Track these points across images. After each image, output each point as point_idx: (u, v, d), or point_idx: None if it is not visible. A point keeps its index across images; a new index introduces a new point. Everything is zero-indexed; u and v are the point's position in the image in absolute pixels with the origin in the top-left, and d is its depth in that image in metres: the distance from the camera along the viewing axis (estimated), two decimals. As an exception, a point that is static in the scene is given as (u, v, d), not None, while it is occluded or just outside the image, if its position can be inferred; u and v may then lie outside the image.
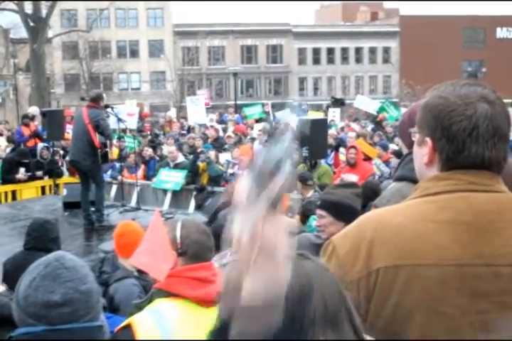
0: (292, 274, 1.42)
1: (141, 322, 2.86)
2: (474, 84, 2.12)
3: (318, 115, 22.85)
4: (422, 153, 2.18)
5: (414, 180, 2.33)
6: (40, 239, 6.88)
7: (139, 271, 5.48)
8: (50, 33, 53.38)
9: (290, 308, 1.39)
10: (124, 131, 16.54)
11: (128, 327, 2.83)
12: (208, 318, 3.02)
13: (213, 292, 3.06)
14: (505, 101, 2.22)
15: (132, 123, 18.82)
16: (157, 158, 17.98)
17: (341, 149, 15.08)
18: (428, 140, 2.12)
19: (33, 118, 19.07)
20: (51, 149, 16.55)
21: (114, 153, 14.81)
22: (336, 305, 1.45)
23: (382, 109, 24.36)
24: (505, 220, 2.03)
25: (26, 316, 2.49)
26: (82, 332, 2.52)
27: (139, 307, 3.10)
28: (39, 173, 16.30)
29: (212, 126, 21.40)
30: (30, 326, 2.49)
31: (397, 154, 13.97)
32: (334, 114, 24.18)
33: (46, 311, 2.48)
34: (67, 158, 15.01)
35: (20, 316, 2.51)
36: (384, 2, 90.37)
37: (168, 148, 16.78)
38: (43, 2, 45.01)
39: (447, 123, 2.06)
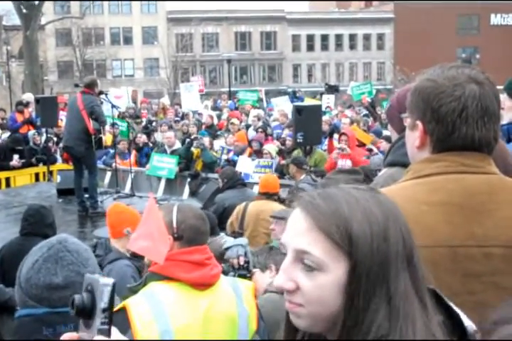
0: (374, 209, 1.46)
1: (135, 305, 2.88)
2: (462, 66, 2.13)
3: (314, 102, 22.82)
4: (413, 137, 2.18)
5: (406, 165, 2.34)
6: (37, 224, 6.92)
7: (133, 254, 5.50)
8: (43, 20, 53.07)
9: (375, 245, 1.41)
10: (118, 116, 16.52)
11: (122, 310, 2.84)
12: (202, 301, 3.05)
13: (207, 275, 3.09)
14: (499, 87, 2.23)
15: (121, 105, 18.77)
16: (150, 145, 17.96)
17: (335, 136, 15.10)
18: (419, 123, 2.14)
19: (27, 104, 19.00)
20: (44, 134, 16.52)
21: (107, 139, 14.77)
22: (411, 239, 1.48)
23: (370, 93, 24.33)
24: (496, 201, 2.04)
25: (28, 298, 2.51)
26: None
27: (134, 291, 3.11)
28: (33, 160, 16.28)
29: (200, 114, 21.39)
30: (31, 308, 2.51)
31: (388, 139, 14.03)
32: (329, 101, 24.14)
33: (48, 293, 2.50)
34: (61, 145, 14.99)
35: (21, 298, 2.53)
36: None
37: (164, 134, 16.74)
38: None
39: (436, 105, 2.07)
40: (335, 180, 4.94)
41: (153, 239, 3.09)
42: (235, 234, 7.57)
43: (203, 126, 19.41)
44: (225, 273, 4.38)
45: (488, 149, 2.11)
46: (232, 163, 15.20)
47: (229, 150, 15.85)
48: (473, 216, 2.00)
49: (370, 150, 13.63)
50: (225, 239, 6.02)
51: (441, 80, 2.08)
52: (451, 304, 1.49)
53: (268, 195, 8.69)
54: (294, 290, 1.47)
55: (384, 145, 13.68)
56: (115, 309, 2.81)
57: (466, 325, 1.47)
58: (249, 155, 15.19)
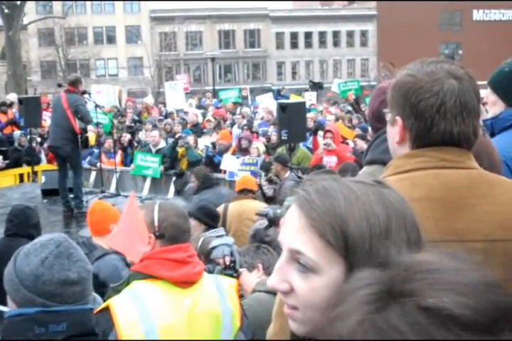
0: (375, 207, 1.37)
1: (119, 305, 2.87)
2: (442, 61, 2.13)
3: (299, 99, 22.85)
4: (393, 132, 2.19)
5: (385, 163, 2.34)
6: (21, 225, 6.90)
7: None
8: (25, 20, 52.80)
9: (374, 247, 1.33)
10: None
11: (106, 309, 2.84)
12: (185, 299, 3.04)
13: (190, 273, 3.08)
14: (481, 83, 2.23)
15: (100, 100, 18.72)
16: (135, 144, 17.94)
17: (320, 132, 15.14)
18: (398, 118, 2.14)
19: (11, 105, 18.93)
20: (28, 136, 16.46)
21: (91, 138, 14.73)
22: (418, 238, 1.41)
23: (357, 91, 24.44)
24: (476, 196, 2.05)
25: (35, 295, 2.49)
26: (76, 314, 2.55)
27: (116, 290, 3.11)
28: (21, 161, 16.23)
29: (186, 113, 21.38)
30: (37, 305, 2.49)
31: (362, 137, 14.19)
32: (310, 98, 24.15)
33: (62, 289, 2.50)
34: (46, 145, 14.93)
35: (25, 296, 2.51)
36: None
37: (149, 134, 16.74)
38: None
39: (415, 100, 2.07)
40: (315, 180, 4.94)
41: (132, 237, 3.09)
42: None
43: (188, 125, 19.39)
44: (211, 273, 4.37)
45: (467, 144, 2.11)
46: (211, 160, 15.28)
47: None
48: (453, 211, 2.01)
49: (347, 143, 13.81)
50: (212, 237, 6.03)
51: (420, 75, 2.09)
52: None
53: (246, 192, 8.72)
54: (289, 292, 1.40)
55: (359, 143, 13.80)
56: (99, 309, 2.83)
57: None
58: (233, 153, 15.21)
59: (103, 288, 5.20)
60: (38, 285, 2.50)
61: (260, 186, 10.79)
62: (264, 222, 6.25)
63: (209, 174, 10.40)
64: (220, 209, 8.46)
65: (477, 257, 1.95)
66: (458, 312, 0.92)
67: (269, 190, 10.86)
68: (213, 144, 16.34)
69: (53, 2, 68.99)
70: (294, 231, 1.40)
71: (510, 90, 3.50)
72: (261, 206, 7.91)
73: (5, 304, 2.81)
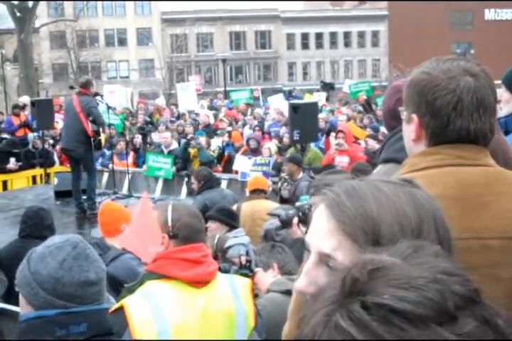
0: (406, 208, 1.33)
1: (133, 305, 2.87)
2: (457, 59, 2.12)
3: (313, 99, 22.84)
4: (409, 130, 2.18)
5: (400, 161, 2.32)
6: (36, 226, 6.91)
7: None
8: (37, 23, 53.06)
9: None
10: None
11: (120, 309, 2.84)
12: (199, 298, 3.04)
13: (204, 272, 3.08)
14: (495, 82, 2.21)
15: (113, 100, 18.72)
16: (148, 146, 17.97)
17: (332, 133, 15.14)
18: (414, 116, 2.13)
19: (24, 107, 18.99)
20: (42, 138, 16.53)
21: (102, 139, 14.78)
22: (449, 240, 1.39)
23: (368, 92, 24.47)
24: (492, 193, 2.04)
25: (55, 298, 2.49)
26: (94, 314, 2.54)
27: (130, 290, 3.10)
28: (35, 162, 16.30)
29: (197, 114, 21.40)
30: (57, 308, 2.49)
31: (374, 137, 14.20)
32: (320, 98, 24.13)
33: (82, 290, 2.50)
34: (58, 147, 14.96)
35: (45, 300, 2.50)
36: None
37: (161, 135, 16.78)
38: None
39: (431, 98, 2.06)
40: (327, 180, 4.93)
41: (144, 238, 3.09)
42: None
43: (200, 126, 19.42)
44: (227, 272, 4.36)
45: (484, 141, 2.10)
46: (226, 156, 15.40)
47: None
48: (469, 208, 1.99)
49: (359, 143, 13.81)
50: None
51: (436, 73, 2.07)
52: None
53: (258, 192, 8.73)
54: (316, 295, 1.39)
55: (371, 143, 13.79)
56: (113, 308, 2.83)
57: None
58: (243, 153, 15.23)
59: (122, 288, 5.21)
60: (58, 287, 2.50)
61: (275, 190, 10.78)
62: (275, 222, 6.23)
63: (210, 174, 10.32)
64: (232, 208, 8.48)
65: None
66: (398, 306, 0.92)
67: (284, 191, 10.86)
68: (227, 143, 16.40)
69: (65, 5, 69.26)
70: (323, 234, 1.37)
71: None
72: (273, 206, 7.90)
73: (17, 304, 2.80)
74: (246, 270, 4.77)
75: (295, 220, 5.66)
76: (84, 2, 63.94)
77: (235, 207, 8.55)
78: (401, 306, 0.92)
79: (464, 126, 2.05)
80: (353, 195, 1.36)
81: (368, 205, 1.33)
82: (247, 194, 9.94)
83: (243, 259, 4.90)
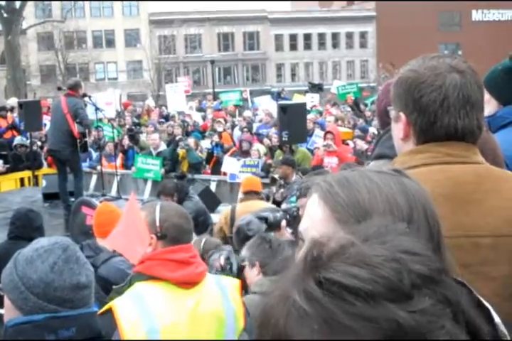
0: (398, 198, 1.36)
1: (121, 306, 2.86)
2: (443, 56, 2.12)
3: (302, 99, 22.87)
4: (398, 129, 2.18)
5: (393, 158, 2.33)
6: (24, 228, 6.88)
7: None
8: (24, 24, 52.87)
9: None
10: (101, 120, 16.45)
11: (109, 311, 2.82)
12: (188, 299, 3.02)
13: (192, 273, 3.06)
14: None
15: (110, 112, 18.72)
16: (136, 149, 17.94)
17: (318, 132, 15.17)
18: (402, 114, 2.13)
19: (12, 109, 18.92)
20: (28, 140, 16.44)
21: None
22: (439, 230, 1.40)
23: (356, 94, 24.56)
24: (483, 191, 2.04)
25: (46, 302, 2.45)
26: (83, 317, 2.52)
27: (119, 292, 3.09)
28: (21, 167, 16.21)
29: (188, 115, 21.40)
30: (47, 312, 2.46)
31: (361, 137, 14.27)
32: (313, 100, 24.17)
33: (73, 294, 2.47)
34: (45, 148, 14.92)
35: (35, 304, 2.46)
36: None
37: (149, 136, 16.78)
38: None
39: (417, 95, 2.06)
40: (313, 181, 4.92)
41: (131, 238, 3.07)
42: (227, 239, 7.50)
43: (190, 128, 19.42)
44: None
45: (472, 138, 2.10)
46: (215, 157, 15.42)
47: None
48: (460, 206, 1.99)
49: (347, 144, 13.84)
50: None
51: (422, 70, 2.08)
52: (480, 298, 1.43)
53: (252, 194, 8.69)
54: None
55: (359, 143, 13.83)
56: (102, 310, 2.81)
57: (496, 320, 1.40)
58: (231, 154, 15.24)
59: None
60: (49, 291, 2.46)
61: (269, 197, 10.78)
62: (246, 218, 6.19)
63: (176, 185, 10.07)
64: (227, 210, 8.46)
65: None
66: (348, 283, 0.94)
67: (278, 195, 10.84)
68: (216, 143, 16.42)
69: (52, 6, 69.10)
70: (317, 223, 1.39)
71: (502, 89, 3.48)
72: (267, 206, 7.87)
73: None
74: (227, 272, 4.74)
75: (283, 223, 5.65)
76: (72, 3, 63.77)
77: (229, 209, 8.54)
78: (351, 283, 0.94)
79: (452, 123, 2.05)
80: (346, 185, 1.38)
81: (360, 195, 1.36)
82: (239, 195, 9.92)
83: (222, 259, 4.87)
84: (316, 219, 1.40)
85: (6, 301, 2.54)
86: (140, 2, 73.97)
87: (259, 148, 14.76)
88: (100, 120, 16.33)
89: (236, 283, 3.33)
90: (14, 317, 2.51)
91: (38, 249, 2.54)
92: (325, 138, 12.83)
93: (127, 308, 2.86)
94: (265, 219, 6.09)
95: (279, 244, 4.72)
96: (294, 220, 5.41)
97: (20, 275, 2.49)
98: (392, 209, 1.35)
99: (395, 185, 1.39)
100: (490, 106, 3.49)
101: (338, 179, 1.41)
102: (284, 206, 6.99)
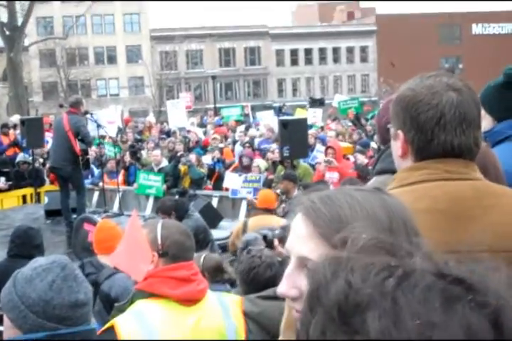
0: (378, 213, 1.41)
1: (123, 324, 2.86)
2: (440, 75, 2.16)
3: (305, 113, 22.92)
4: (396, 146, 2.21)
5: (395, 172, 2.36)
6: (24, 245, 6.85)
7: None
8: (26, 42, 53.09)
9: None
10: (103, 137, 16.47)
11: (111, 328, 2.83)
12: (190, 317, 3.03)
13: (194, 291, 3.07)
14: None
15: (113, 130, 18.74)
16: (137, 164, 17.96)
17: (319, 147, 15.18)
18: (400, 132, 2.16)
19: (15, 127, 18.97)
20: (31, 157, 16.45)
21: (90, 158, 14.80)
22: (417, 234, 1.45)
23: (357, 109, 24.64)
24: (481, 207, 2.06)
25: (45, 320, 2.46)
26: (82, 335, 2.53)
27: (121, 310, 3.09)
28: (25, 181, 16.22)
29: (189, 131, 21.43)
30: (47, 330, 2.47)
31: (362, 152, 14.31)
32: (315, 115, 24.21)
33: (72, 312, 2.48)
34: (48, 165, 14.94)
35: (35, 322, 2.47)
36: (360, 1, 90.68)
37: (151, 152, 16.81)
38: (19, 10, 44.80)
39: (415, 113, 2.09)
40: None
41: (135, 256, 3.08)
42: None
43: (192, 143, 19.46)
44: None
45: (470, 155, 2.13)
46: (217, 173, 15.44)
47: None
48: (459, 222, 2.01)
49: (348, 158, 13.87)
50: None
51: (419, 89, 2.11)
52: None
53: (266, 211, 8.76)
54: (298, 298, 1.42)
55: (360, 157, 13.85)
56: (104, 328, 2.82)
57: None
58: (233, 170, 15.26)
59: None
60: (48, 310, 2.47)
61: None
62: (252, 235, 6.24)
63: (175, 202, 9.99)
64: (239, 224, 8.65)
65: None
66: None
67: (279, 210, 10.84)
68: (217, 159, 16.45)
69: (54, 23, 69.43)
70: (302, 239, 1.44)
71: (494, 105, 3.51)
72: (279, 221, 7.90)
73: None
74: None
75: (276, 242, 5.67)
76: (74, 20, 64.04)
77: (241, 222, 8.64)
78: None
79: (448, 140, 2.08)
80: (328, 201, 1.44)
81: (342, 210, 1.41)
82: (242, 210, 9.98)
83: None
84: (300, 235, 1.45)
85: (6, 320, 2.55)
86: (142, 18, 74.26)
87: (259, 163, 14.76)
88: (102, 137, 16.37)
89: (237, 299, 3.33)
90: (13, 336, 2.52)
91: (36, 267, 2.56)
92: (326, 153, 12.84)
93: (129, 326, 2.86)
94: (264, 237, 6.11)
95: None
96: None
97: (19, 294, 2.50)
98: (373, 223, 1.38)
99: (375, 201, 1.44)
100: (485, 121, 3.52)
101: (320, 196, 1.46)
102: (281, 223, 7.03)
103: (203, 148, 18.97)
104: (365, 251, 1.17)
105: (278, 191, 11.10)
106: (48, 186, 16.40)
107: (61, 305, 2.47)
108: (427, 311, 0.89)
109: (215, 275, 5.44)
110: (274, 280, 4.30)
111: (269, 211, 8.85)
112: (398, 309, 0.89)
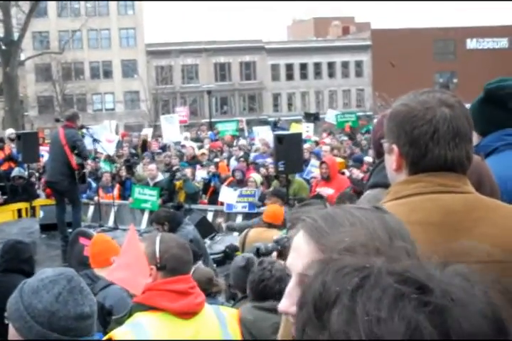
0: (378, 231, 1.44)
1: (121, 336, 2.88)
2: (434, 91, 2.22)
3: (300, 128, 22.98)
4: (391, 160, 2.26)
5: (387, 186, 2.40)
6: (12, 260, 6.77)
7: None
8: (22, 56, 53.22)
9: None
10: (96, 153, 16.45)
11: (109, 341, 2.85)
12: (187, 330, 3.06)
13: (192, 304, 3.10)
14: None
15: (111, 149, 18.72)
16: (132, 178, 17.96)
17: (313, 162, 15.22)
18: (394, 147, 2.21)
19: (13, 140, 18.97)
20: (26, 172, 16.44)
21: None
22: (413, 243, 1.49)
23: (354, 124, 24.76)
24: (472, 219, 2.12)
25: (50, 331, 2.49)
26: None
27: (119, 322, 3.12)
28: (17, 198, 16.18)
29: (183, 146, 21.43)
30: None
31: (357, 167, 14.35)
32: (308, 129, 24.27)
33: (77, 324, 2.51)
34: (43, 179, 14.95)
35: (39, 333, 2.50)
36: (355, 16, 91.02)
37: (146, 167, 16.82)
38: (15, 25, 44.91)
39: (409, 128, 2.14)
40: (299, 213, 4.97)
41: (132, 270, 3.10)
42: None
43: (185, 158, 19.46)
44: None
45: (462, 169, 2.18)
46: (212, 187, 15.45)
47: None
48: (451, 234, 2.06)
49: (343, 173, 13.89)
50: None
51: (413, 105, 2.16)
52: None
53: (269, 225, 8.82)
54: None
55: (355, 172, 13.88)
56: (102, 340, 2.84)
57: None
58: (228, 184, 15.27)
59: (109, 317, 5.21)
60: (53, 321, 2.50)
61: None
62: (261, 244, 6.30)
63: (170, 214, 9.91)
64: (241, 234, 8.82)
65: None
66: None
67: None
68: (213, 174, 16.49)
69: (50, 38, 69.58)
70: (303, 257, 1.45)
71: (478, 120, 3.58)
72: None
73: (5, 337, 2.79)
74: None
75: (274, 254, 5.72)
76: (70, 34, 64.21)
77: (244, 234, 8.72)
78: None
79: (442, 154, 2.13)
80: (329, 219, 1.46)
81: (343, 228, 1.43)
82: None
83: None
84: (302, 252, 1.47)
85: (11, 329, 2.58)
86: (137, 33, 74.45)
87: (255, 177, 14.78)
88: (95, 152, 16.36)
89: (234, 312, 3.36)
90: None
91: (43, 279, 2.59)
92: (320, 168, 12.88)
93: (127, 338, 2.89)
94: (257, 249, 6.17)
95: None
96: (285, 250, 5.46)
97: (25, 304, 2.53)
98: (373, 239, 1.41)
99: (376, 219, 1.47)
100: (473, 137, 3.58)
101: (321, 214, 1.49)
102: (275, 237, 7.10)
103: (198, 162, 18.97)
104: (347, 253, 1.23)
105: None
106: (42, 200, 16.39)
107: (66, 317, 2.50)
108: (377, 308, 0.96)
109: (205, 289, 5.47)
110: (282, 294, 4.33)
111: (273, 226, 8.91)
112: (355, 306, 0.97)
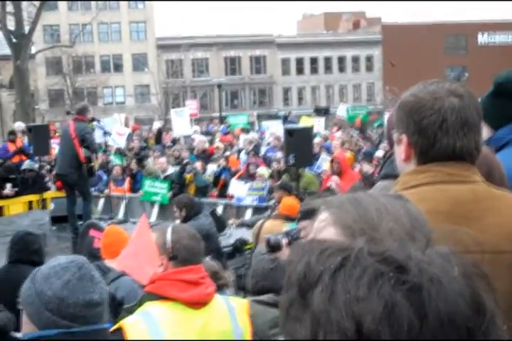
0: (403, 218, 1.44)
1: (132, 325, 2.90)
2: (443, 81, 2.23)
3: (311, 121, 22.97)
4: (400, 151, 2.27)
5: (398, 177, 2.41)
6: (22, 251, 6.83)
7: None
8: (33, 49, 53.16)
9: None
10: (107, 146, 16.48)
11: (119, 330, 2.87)
12: (197, 319, 3.07)
13: (202, 294, 3.12)
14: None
15: (122, 142, 18.77)
16: (142, 171, 18.01)
17: (324, 156, 15.22)
18: (403, 137, 2.23)
19: (24, 133, 19.04)
20: (37, 165, 16.50)
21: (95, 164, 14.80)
22: (430, 235, 1.45)
23: (365, 118, 24.71)
24: (481, 209, 2.13)
25: (60, 318, 2.51)
26: (94, 333, 2.58)
27: (129, 311, 3.14)
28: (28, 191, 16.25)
29: (193, 140, 21.45)
30: (61, 328, 2.52)
31: (368, 161, 14.35)
32: (319, 123, 24.25)
33: (86, 311, 2.53)
34: (54, 172, 15.00)
35: (49, 319, 2.53)
36: (366, 11, 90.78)
37: (157, 160, 16.85)
38: (26, 18, 44.96)
39: (418, 118, 2.16)
40: (313, 204, 4.97)
41: (141, 259, 3.12)
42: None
43: (195, 151, 19.48)
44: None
45: (471, 158, 2.20)
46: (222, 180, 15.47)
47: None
48: (460, 223, 2.06)
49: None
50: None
51: (422, 95, 2.18)
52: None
53: (286, 218, 8.80)
54: None
55: (366, 166, 13.89)
56: (112, 329, 2.86)
57: None
58: (239, 178, 15.29)
59: (121, 308, 5.24)
60: (62, 308, 2.52)
61: None
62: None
63: (191, 201, 9.99)
64: (256, 225, 8.77)
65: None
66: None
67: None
68: (223, 168, 16.50)
69: (61, 31, 69.67)
70: (327, 238, 1.43)
71: (489, 113, 3.58)
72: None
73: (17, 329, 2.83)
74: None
75: (284, 241, 5.71)
76: (80, 28, 64.23)
77: (259, 223, 8.71)
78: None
79: (450, 144, 2.15)
80: (355, 203, 1.47)
81: (368, 212, 1.43)
82: (246, 217, 9.96)
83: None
84: (326, 235, 1.45)
85: (24, 315, 2.61)
86: (148, 26, 74.47)
87: (263, 171, 14.78)
88: (107, 146, 16.40)
89: (244, 303, 3.38)
90: (30, 331, 2.57)
91: (55, 266, 2.62)
92: (331, 164, 12.90)
93: (137, 327, 2.91)
94: (267, 240, 6.16)
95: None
96: (295, 242, 5.46)
97: (37, 291, 2.56)
98: (397, 227, 1.41)
99: (400, 207, 1.47)
100: (484, 131, 3.58)
101: (347, 198, 1.49)
102: (285, 228, 7.10)
103: (209, 156, 19.00)
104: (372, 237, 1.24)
105: (271, 203, 11.15)
106: (53, 192, 16.45)
107: (75, 304, 2.52)
108: (356, 287, 0.98)
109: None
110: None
111: (289, 219, 8.88)
112: (335, 285, 0.99)
